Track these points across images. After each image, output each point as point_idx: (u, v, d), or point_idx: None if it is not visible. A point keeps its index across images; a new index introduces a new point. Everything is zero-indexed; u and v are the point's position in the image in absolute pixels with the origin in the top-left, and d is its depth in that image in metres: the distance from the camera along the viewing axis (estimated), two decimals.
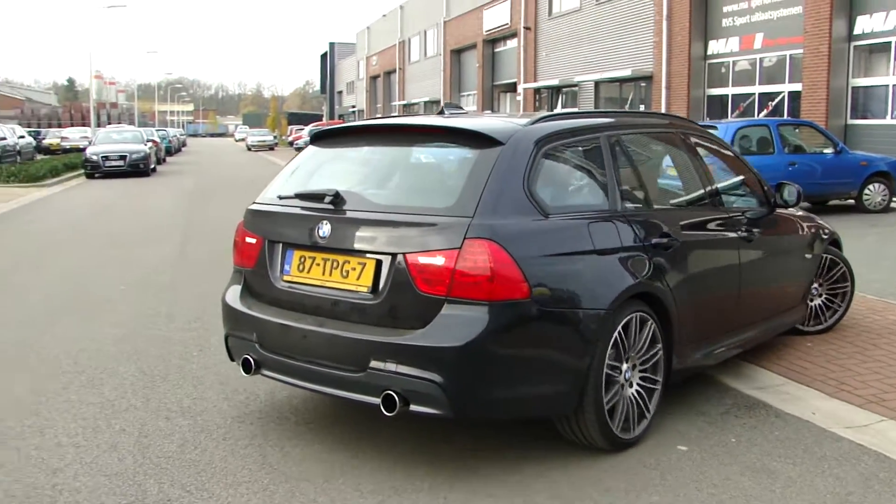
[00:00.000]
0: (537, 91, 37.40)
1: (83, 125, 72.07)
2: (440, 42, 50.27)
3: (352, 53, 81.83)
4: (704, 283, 5.07)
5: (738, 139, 14.90)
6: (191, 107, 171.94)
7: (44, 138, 49.77)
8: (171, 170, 34.97)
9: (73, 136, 50.22)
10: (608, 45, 30.89)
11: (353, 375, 4.01)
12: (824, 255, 6.57)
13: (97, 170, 29.11)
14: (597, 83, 32.23)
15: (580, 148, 4.65)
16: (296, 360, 4.28)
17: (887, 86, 20.40)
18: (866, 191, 15.70)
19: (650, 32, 27.99)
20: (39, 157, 38.45)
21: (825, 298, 6.69)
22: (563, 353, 4.06)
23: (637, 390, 4.43)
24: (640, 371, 4.47)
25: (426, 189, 4.42)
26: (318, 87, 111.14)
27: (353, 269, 4.17)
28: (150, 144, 31.98)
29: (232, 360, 4.84)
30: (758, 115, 23.33)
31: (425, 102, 51.98)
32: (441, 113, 5.23)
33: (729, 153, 6.18)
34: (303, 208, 4.47)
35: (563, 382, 4.05)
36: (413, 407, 3.87)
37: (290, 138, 61.99)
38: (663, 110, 26.74)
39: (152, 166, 31.13)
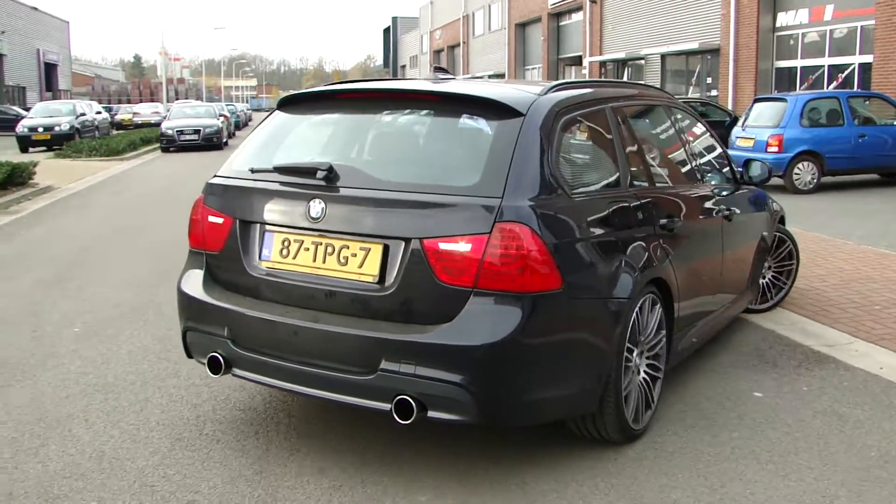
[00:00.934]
0: (603, 65, 37.39)
1: (151, 101, 73.89)
2: (504, 16, 50.32)
3: (415, 28, 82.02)
4: (696, 264, 4.88)
5: (808, 111, 15.04)
6: (254, 82, 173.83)
7: (116, 114, 51.09)
8: (242, 143, 35.67)
9: (144, 111, 51.72)
10: (675, 17, 30.78)
11: (360, 378, 3.55)
12: (775, 234, 6.52)
13: (172, 144, 30.01)
14: (663, 56, 32.17)
15: (592, 120, 4.28)
16: (283, 361, 3.77)
17: None
18: None
19: (718, 4, 27.82)
20: (114, 132, 39.56)
21: (772, 276, 6.67)
22: (590, 348, 3.77)
23: (644, 378, 4.20)
24: (647, 358, 4.26)
25: (440, 165, 3.89)
26: (380, 61, 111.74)
27: (354, 255, 3.68)
28: (221, 119, 32.82)
29: (190, 356, 4.28)
30: (827, 87, 23.18)
31: (489, 76, 52.18)
32: (434, 77, 4.75)
33: (703, 127, 5.85)
34: (285, 184, 3.94)
35: (589, 378, 3.77)
36: (432, 413, 3.47)
37: None
38: (730, 84, 26.70)
39: (224, 140, 31.94)
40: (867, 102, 16.27)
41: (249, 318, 3.87)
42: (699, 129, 5.75)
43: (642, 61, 33.83)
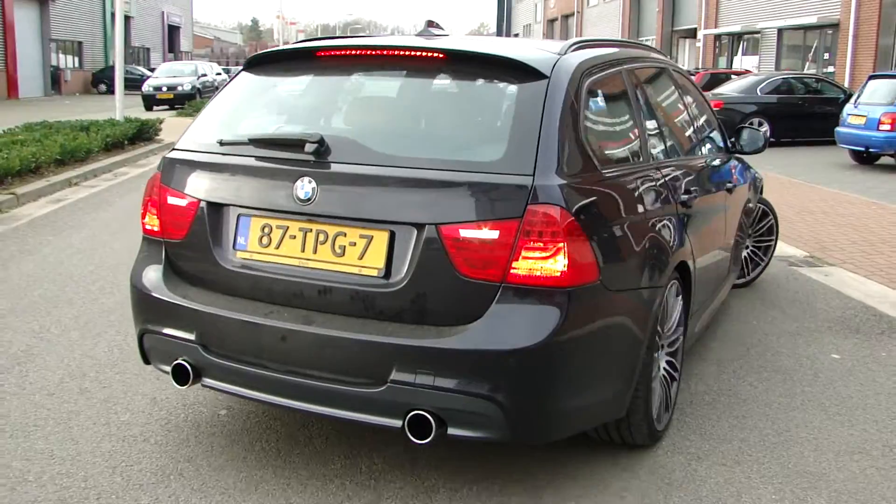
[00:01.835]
0: (717, 38, 36.74)
1: None
2: None
3: None
4: (707, 242, 4.49)
5: None
6: None
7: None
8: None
9: None
10: None
11: (365, 391, 3.03)
12: (759, 206, 6.31)
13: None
14: (780, 30, 31.45)
15: (614, 85, 3.85)
16: (266, 370, 3.21)
17: None
18: None
19: None
20: None
21: (751, 250, 6.46)
22: (624, 345, 3.33)
23: (663, 374, 3.83)
24: (667, 354, 3.88)
25: (454, 136, 3.35)
26: (493, 29, 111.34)
27: (353, 244, 3.12)
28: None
29: (147, 363, 3.67)
30: None
31: None
32: (427, 33, 4.10)
33: (698, 92, 5.38)
34: (265, 158, 3.34)
35: (621, 380, 3.34)
36: (452, 431, 2.98)
37: None
38: (848, 60, 26.02)
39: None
40: None
41: (224, 319, 3.27)
42: (696, 94, 5.30)
43: (758, 35, 33.13)
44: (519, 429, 3.00)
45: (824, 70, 27.90)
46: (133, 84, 39.36)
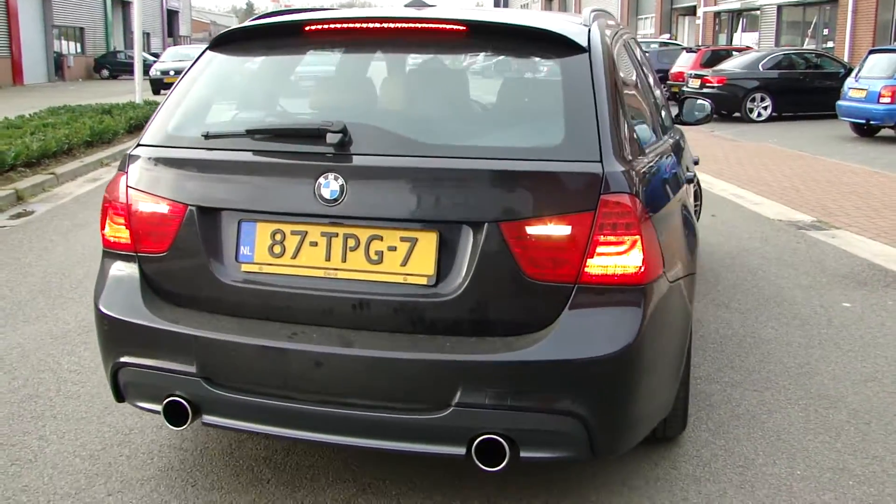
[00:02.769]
0: (717, 15, 37.10)
1: None
2: None
3: None
4: (687, 218, 3.95)
5: None
6: None
7: None
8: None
9: None
10: None
11: (423, 417, 2.65)
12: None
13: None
14: (779, 7, 31.82)
15: (625, 58, 3.58)
16: (296, 402, 2.74)
17: None
18: None
19: None
20: None
21: None
22: (679, 338, 3.09)
23: None
24: None
25: (501, 119, 3.07)
26: (490, 4, 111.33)
27: (393, 248, 2.70)
28: None
29: (121, 400, 3.08)
30: None
31: None
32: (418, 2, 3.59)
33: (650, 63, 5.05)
34: (266, 153, 2.86)
35: (676, 375, 3.11)
36: (525, 453, 2.66)
37: None
38: (847, 35, 26.41)
39: None
40: None
41: (234, 346, 2.77)
42: (650, 65, 4.95)
43: (757, 11, 33.49)
44: (599, 444, 2.68)
45: (824, 45, 28.29)
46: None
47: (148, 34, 58.71)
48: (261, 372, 2.76)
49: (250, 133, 2.86)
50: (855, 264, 6.51)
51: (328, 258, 2.75)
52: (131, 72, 39.53)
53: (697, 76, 20.63)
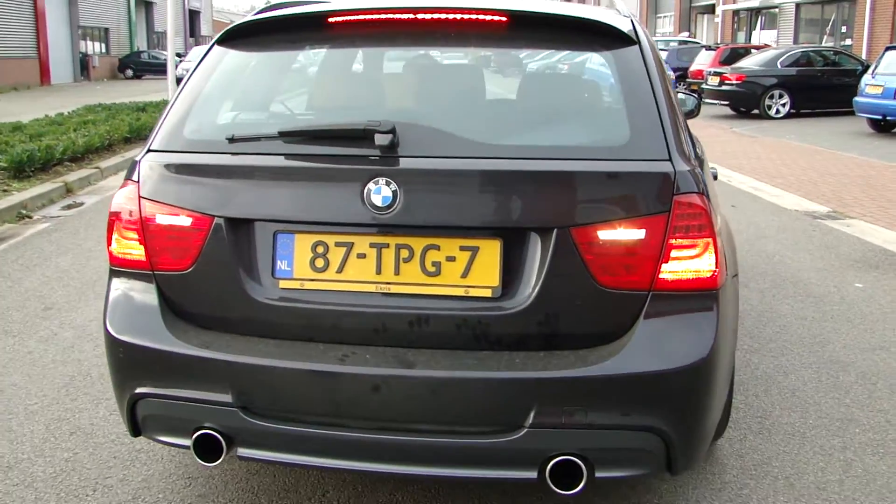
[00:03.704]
0: (736, 13, 37.34)
1: None
2: None
3: None
4: (724, 220, 3.78)
5: None
6: None
7: None
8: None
9: None
10: None
11: (494, 441, 2.46)
12: None
13: None
14: (798, 5, 32.05)
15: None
16: (348, 430, 2.53)
17: None
18: None
19: None
20: None
21: None
22: (735, 340, 2.94)
23: None
24: None
25: (559, 117, 2.82)
26: None
27: (451, 258, 2.51)
28: None
29: (137, 434, 2.79)
30: None
31: None
32: None
33: None
34: (302, 157, 2.63)
35: (730, 379, 3.02)
36: (602, 473, 2.50)
37: None
38: (865, 33, 26.64)
39: None
40: None
41: (277, 371, 2.52)
42: None
43: (776, 9, 33.73)
44: (677, 460, 2.52)
45: (842, 43, 28.51)
46: (159, 69, 40.32)
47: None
48: (308, 399, 2.53)
49: (283, 135, 2.61)
50: (867, 250, 6.87)
51: (379, 271, 2.52)
52: (155, 71, 40.35)
53: (716, 74, 20.92)
